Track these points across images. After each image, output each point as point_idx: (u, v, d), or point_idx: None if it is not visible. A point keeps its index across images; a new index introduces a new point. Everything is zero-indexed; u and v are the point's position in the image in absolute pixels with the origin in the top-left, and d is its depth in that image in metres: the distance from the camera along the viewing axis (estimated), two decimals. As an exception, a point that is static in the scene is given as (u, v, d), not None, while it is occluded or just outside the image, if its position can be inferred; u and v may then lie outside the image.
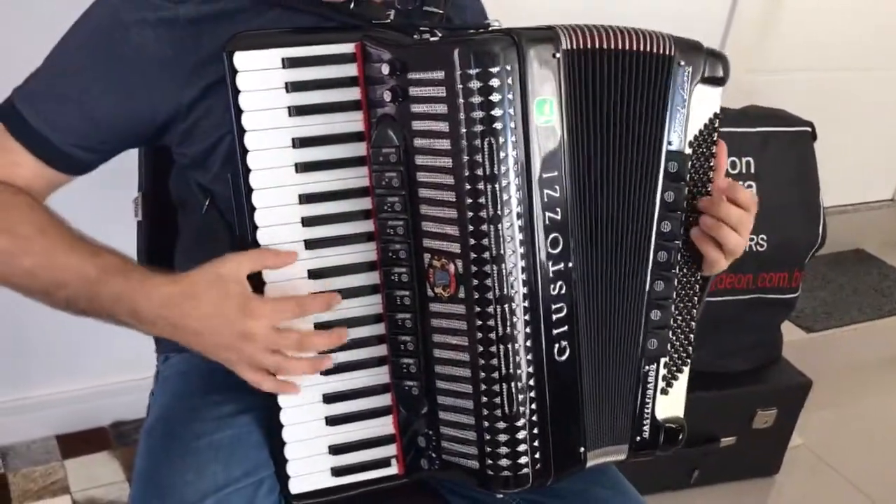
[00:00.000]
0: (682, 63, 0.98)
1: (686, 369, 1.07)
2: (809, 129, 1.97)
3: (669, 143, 0.99)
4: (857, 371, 2.59)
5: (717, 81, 1.01)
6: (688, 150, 1.00)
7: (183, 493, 0.95)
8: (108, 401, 1.96)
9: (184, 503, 0.94)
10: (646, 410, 1.04)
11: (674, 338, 1.05)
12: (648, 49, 0.97)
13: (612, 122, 0.96)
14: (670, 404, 1.06)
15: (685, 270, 1.04)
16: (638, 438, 1.05)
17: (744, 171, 1.90)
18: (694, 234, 1.02)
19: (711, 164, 1.02)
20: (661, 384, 1.05)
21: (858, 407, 2.42)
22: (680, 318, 1.05)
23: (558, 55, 0.91)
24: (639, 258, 1.00)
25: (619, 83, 0.96)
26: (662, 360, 1.04)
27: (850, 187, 3.10)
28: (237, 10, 0.99)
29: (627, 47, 0.96)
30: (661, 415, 1.05)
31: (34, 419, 1.92)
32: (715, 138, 1.02)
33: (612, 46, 0.95)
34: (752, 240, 1.90)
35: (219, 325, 0.91)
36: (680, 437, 1.07)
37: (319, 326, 0.95)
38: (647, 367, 1.03)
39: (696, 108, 1.00)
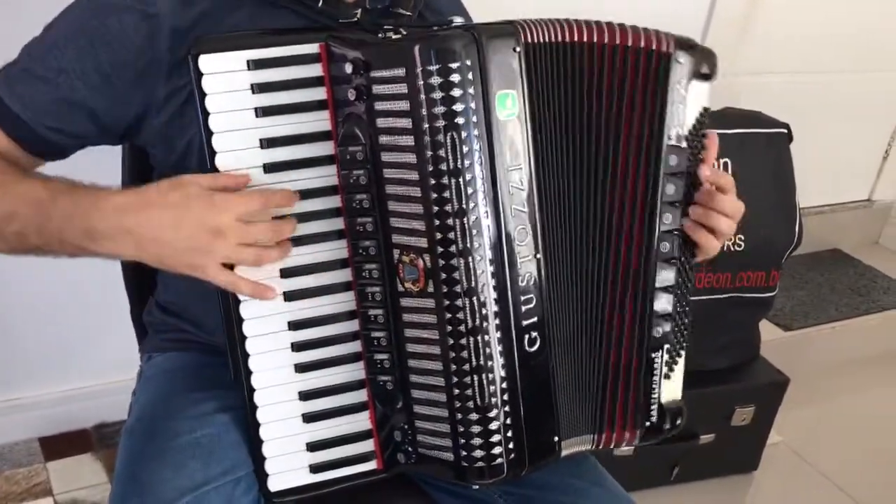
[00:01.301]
0: (682, 60, 0.99)
1: (683, 353, 1.09)
2: (786, 130, 1.98)
3: (669, 137, 1.00)
4: (834, 369, 2.61)
5: (707, 77, 1.02)
6: (684, 144, 1.01)
7: (161, 491, 0.95)
8: (91, 403, 1.96)
9: (162, 501, 0.94)
10: (653, 397, 1.05)
11: (674, 324, 1.06)
12: (644, 45, 0.98)
13: (583, 113, 0.98)
14: (673, 388, 1.08)
15: (682, 259, 1.06)
16: (647, 423, 1.06)
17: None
18: (686, 224, 1.04)
19: (701, 156, 1.04)
20: (664, 370, 1.06)
21: (835, 404, 2.44)
22: (678, 304, 1.06)
23: (519, 49, 0.92)
24: (635, 248, 1.01)
25: (582, 76, 0.97)
26: (666, 346, 1.05)
27: (827, 188, 3.11)
28: (214, 9, 1.00)
29: (608, 42, 0.97)
30: (664, 398, 1.07)
31: (16, 421, 1.91)
32: (704, 132, 1.04)
33: (580, 40, 0.96)
34: (730, 239, 1.92)
35: (185, 225, 0.88)
36: (679, 419, 1.08)
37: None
38: (653, 354, 1.04)
39: (691, 103, 1.01)
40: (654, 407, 1.06)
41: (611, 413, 1.05)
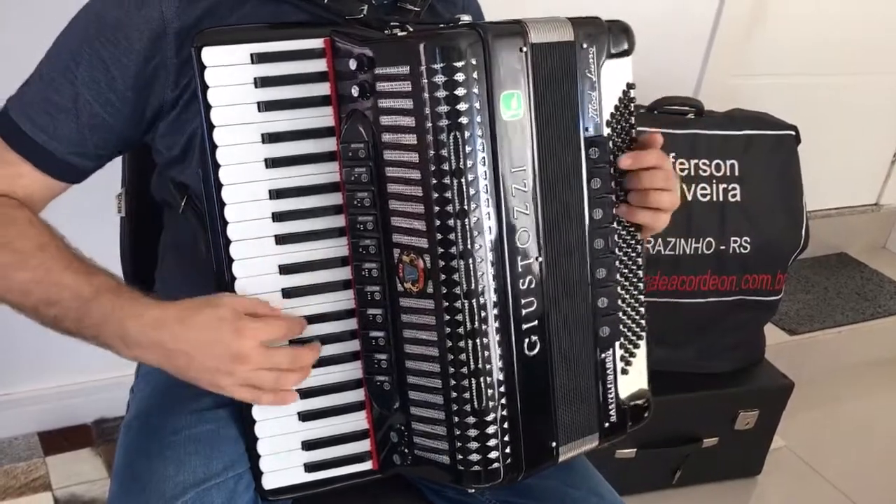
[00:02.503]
0: (585, 45, 0.97)
1: (642, 343, 1.08)
2: (793, 132, 1.97)
3: (586, 129, 0.99)
4: (839, 374, 2.60)
5: (624, 53, 1.01)
6: (606, 131, 1.00)
7: (163, 487, 0.95)
8: (91, 397, 1.96)
9: (164, 497, 0.94)
10: (609, 396, 1.05)
11: (625, 318, 1.06)
12: (550, 39, 0.95)
13: (554, 115, 0.97)
14: (633, 380, 1.07)
15: (624, 246, 1.05)
16: (606, 424, 1.05)
17: (728, 173, 1.91)
18: (622, 211, 1.03)
19: (633, 134, 1.03)
20: (619, 365, 1.05)
21: (840, 409, 2.43)
22: (627, 295, 1.06)
23: (525, 49, 0.92)
24: (581, 249, 1.01)
25: (551, 74, 0.96)
26: (616, 343, 1.05)
27: (834, 192, 3.11)
28: (217, 6, 0.99)
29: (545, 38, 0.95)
30: (624, 393, 1.06)
31: (16, 415, 1.91)
32: (632, 109, 1.02)
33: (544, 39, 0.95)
34: (735, 241, 1.91)
35: (211, 348, 0.90)
36: (646, 412, 1.07)
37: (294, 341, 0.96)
38: (602, 355, 1.04)
39: (606, 87, 0.99)
40: (612, 406, 1.05)
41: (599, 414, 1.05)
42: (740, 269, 1.93)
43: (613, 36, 0.99)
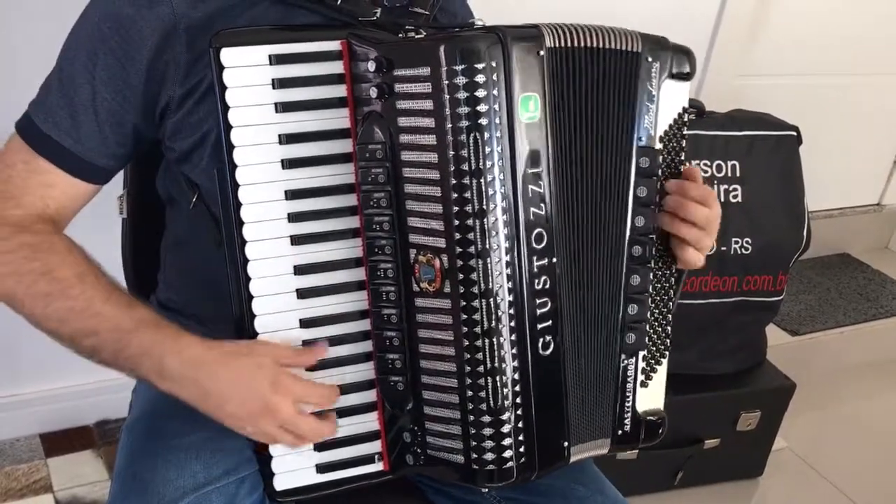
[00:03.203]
0: (650, 59, 0.99)
1: (664, 361, 1.08)
2: (795, 133, 1.98)
3: (640, 138, 1.00)
4: (841, 375, 2.60)
5: (684, 76, 1.02)
6: (658, 146, 1.01)
7: (163, 490, 0.95)
8: (93, 399, 1.95)
9: (164, 500, 0.94)
10: (626, 404, 1.05)
11: (651, 331, 1.06)
12: (617, 46, 0.97)
13: (590, 119, 0.97)
14: (650, 396, 1.07)
15: (660, 264, 1.05)
16: (620, 432, 1.05)
17: (729, 174, 1.91)
18: (663, 219, 1.03)
19: (682, 157, 1.03)
20: (640, 377, 1.05)
21: (842, 410, 2.43)
22: (657, 311, 1.06)
23: (542, 53, 0.92)
24: (615, 253, 1.01)
25: (595, 81, 0.97)
26: (641, 354, 1.05)
27: (836, 192, 3.11)
28: (229, 7, 0.99)
29: (602, 45, 0.97)
30: (641, 407, 1.06)
31: (18, 417, 1.91)
32: (684, 133, 1.03)
33: (592, 45, 0.96)
34: (737, 242, 1.91)
35: (246, 394, 0.91)
36: (661, 429, 1.07)
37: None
38: (626, 361, 1.04)
39: (664, 104, 1.01)
40: (629, 415, 1.05)
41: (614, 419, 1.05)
42: (742, 270, 1.93)
43: (677, 57, 1.01)
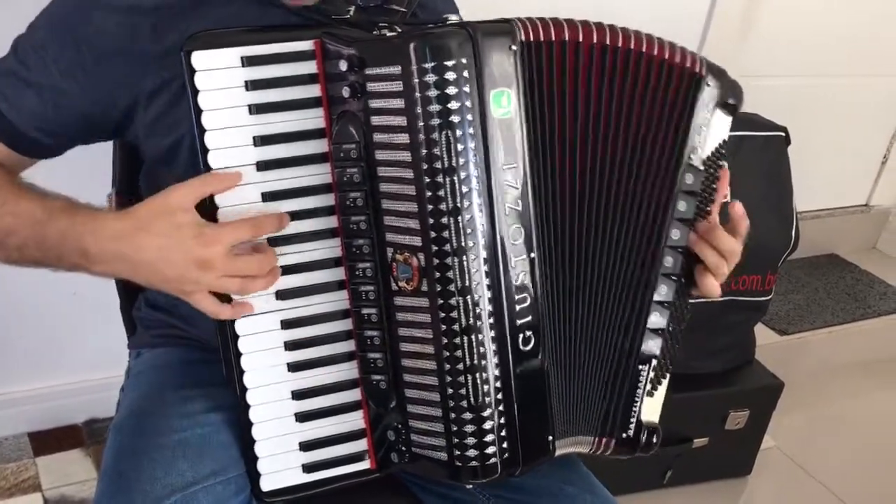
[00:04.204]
0: (710, 84, 1.00)
1: (665, 381, 1.08)
2: (783, 133, 1.98)
3: (690, 157, 1.00)
4: (829, 374, 2.61)
5: (732, 109, 1.03)
6: (701, 167, 1.01)
7: (149, 488, 0.94)
8: (81, 398, 1.95)
9: (149, 498, 0.94)
10: (633, 409, 1.05)
11: (665, 344, 1.06)
12: (678, 61, 0.98)
13: (587, 114, 0.97)
14: (652, 408, 1.07)
15: (683, 281, 1.05)
16: (623, 435, 1.05)
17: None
18: (691, 238, 1.03)
19: (715, 186, 1.04)
20: (647, 386, 1.05)
21: (830, 409, 2.44)
22: (674, 325, 1.06)
23: (515, 47, 0.92)
24: (641, 262, 1.01)
25: (583, 78, 0.96)
26: (653, 363, 1.04)
27: (825, 192, 3.12)
28: (201, 2, 0.99)
29: (589, 39, 0.96)
30: (644, 417, 1.06)
31: (6, 416, 1.90)
32: (721, 163, 1.04)
33: (572, 39, 0.95)
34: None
35: (173, 255, 0.89)
36: (655, 441, 1.07)
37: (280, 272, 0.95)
38: (640, 367, 1.04)
39: (713, 130, 1.01)
40: (633, 420, 1.05)
41: (603, 417, 1.05)
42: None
43: (732, 90, 1.02)
